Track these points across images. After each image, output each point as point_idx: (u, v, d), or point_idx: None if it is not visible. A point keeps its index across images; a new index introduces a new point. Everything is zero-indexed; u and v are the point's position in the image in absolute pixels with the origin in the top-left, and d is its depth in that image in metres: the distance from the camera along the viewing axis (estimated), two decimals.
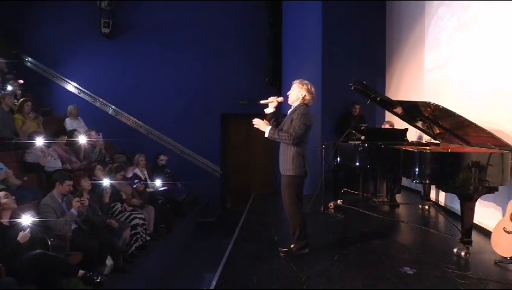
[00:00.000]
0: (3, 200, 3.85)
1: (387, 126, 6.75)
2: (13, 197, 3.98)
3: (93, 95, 9.25)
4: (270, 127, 3.91)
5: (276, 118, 4.08)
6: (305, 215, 4.07)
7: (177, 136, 9.20)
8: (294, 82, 4.02)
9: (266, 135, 3.91)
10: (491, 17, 4.88)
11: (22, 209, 4.10)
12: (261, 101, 4.12)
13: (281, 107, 4.15)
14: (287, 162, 3.91)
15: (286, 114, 4.04)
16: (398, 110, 5.49)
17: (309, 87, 3.94)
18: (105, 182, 5.37)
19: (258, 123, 3.95)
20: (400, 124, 6.06)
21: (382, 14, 8.99)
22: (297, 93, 3.94)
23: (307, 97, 3.92)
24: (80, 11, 9.11)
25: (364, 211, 5.83)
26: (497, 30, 4.76)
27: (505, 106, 4.58)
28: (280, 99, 4.06)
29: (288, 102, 4.01)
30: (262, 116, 4.09)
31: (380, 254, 4.18)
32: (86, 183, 4.92)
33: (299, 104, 3.93)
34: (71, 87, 9.26)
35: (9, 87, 7.13)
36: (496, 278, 3.51)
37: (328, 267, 3.80)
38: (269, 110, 4.08)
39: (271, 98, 4.08)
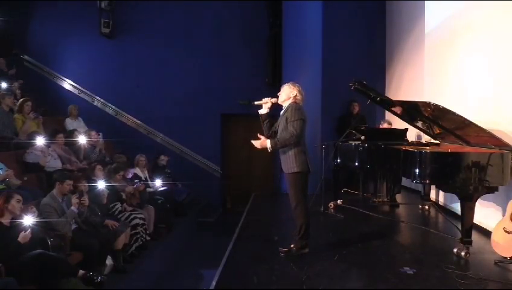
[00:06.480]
0: (13, 203, 3.84)
1: (385, 125, 6.75)
2: (21, 205, 3.95)
3: (93, 95, 9.23)
4: (269, 140, 3.91)
5: (270, 119, 4.11)
6: (309, 214, 4.08)
7: (177, 136, 9.18)
8: (284, 84, 4.09)
9: (269, 147, 3.89)
10: (489, 21, 4.89)
11: (22, 210, 4.08)
12: (255, 102, 4.16)
13: (276, 109, 4.17)
14: (289, 160, 3.94)
15: (279, 115, 4.08)
16: (398, 110, 5.49)
17: (300, 89, 4.01)
18: (105, 182, 5.37)
19: (258, 144, 3.96)
20: (400, 124, 6.06)
21: (382, 14, 8.98)
22: (288, 93, 4.00)
23: (298, 97, 3.99)
24: (80, 11, 9.10)
25: (364, 211, 5.84)
26: (495, 32, 4.76)
27: (504, 107, 4.58)
28: (274, 100, 4.10)
29: (279, 101, 4.06)
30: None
31: (380, 254, 4.18)
32: (83, 187, 4.89)
33: (289, 104, 3.97)
34: (71, 87, 9.24)
35: (9, 87, 7.12)
36: (496, 278, 3.51)
37: (328, 267, 3.80)
38: (263, 111, 4.12)
39: (265, 99, 4.13)
